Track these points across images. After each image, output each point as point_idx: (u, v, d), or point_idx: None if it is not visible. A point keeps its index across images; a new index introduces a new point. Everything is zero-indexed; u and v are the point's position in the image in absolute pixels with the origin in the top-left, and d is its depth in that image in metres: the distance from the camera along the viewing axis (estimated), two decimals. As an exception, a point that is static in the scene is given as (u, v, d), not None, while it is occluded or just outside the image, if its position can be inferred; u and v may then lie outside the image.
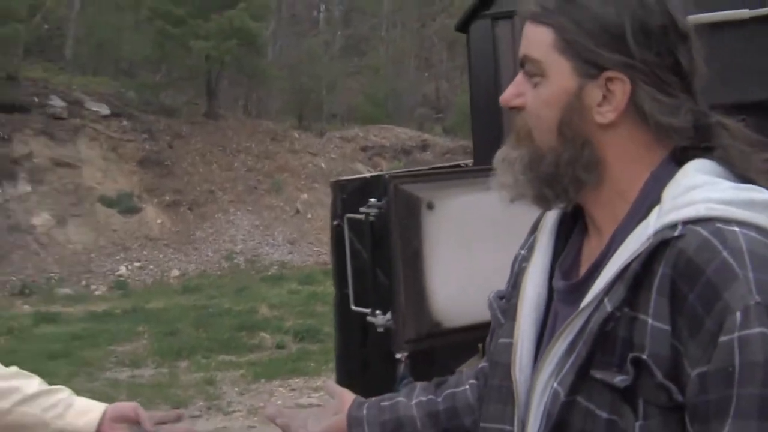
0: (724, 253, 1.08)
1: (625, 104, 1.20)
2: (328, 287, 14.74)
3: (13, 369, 2.07)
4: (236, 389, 8.71)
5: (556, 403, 1.20)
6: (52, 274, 15.75)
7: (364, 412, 1.68)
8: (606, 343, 1.16)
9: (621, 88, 1.20)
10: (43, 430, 1.99)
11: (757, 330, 1.04)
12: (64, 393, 2.05)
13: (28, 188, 17.07)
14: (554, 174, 1.24)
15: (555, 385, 1.21)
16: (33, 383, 2.04)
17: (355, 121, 27.08)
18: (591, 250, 1.30)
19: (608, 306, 1.15)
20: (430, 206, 2.85)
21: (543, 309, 1.34)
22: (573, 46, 1.22)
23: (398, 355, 3.85)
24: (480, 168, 3.34)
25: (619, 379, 1.12)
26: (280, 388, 8.71)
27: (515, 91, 1.29)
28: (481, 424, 1.44)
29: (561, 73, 1.23)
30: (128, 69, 25.03)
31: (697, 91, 1.24)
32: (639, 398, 1.12)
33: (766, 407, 1.03)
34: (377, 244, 3.10)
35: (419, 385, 1.75)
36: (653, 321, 1.11)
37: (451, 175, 3.20)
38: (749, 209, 1.12)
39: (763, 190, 1.15)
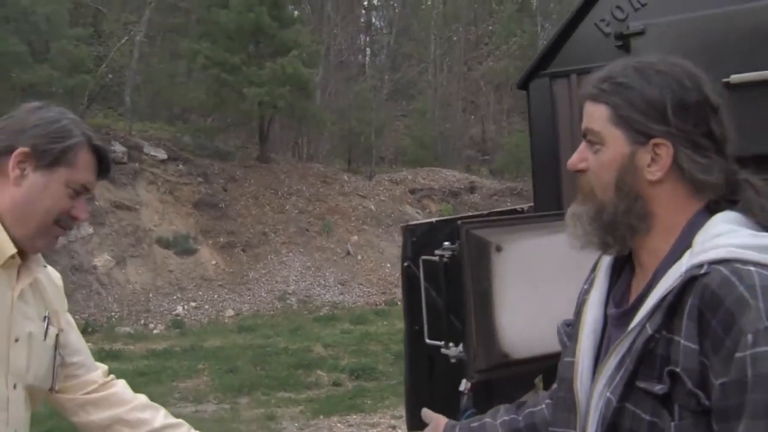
0: (740, 288, 1.35)
1: (669, 165, 1.51)
2: (380, 327, 15.03)
3: (143, 399, 2.39)
4: (296, 425, 9.00)
5: (609, 408, 1.50)
6: (112, 313, 16.27)
7: None
8: (648, 359, 1.44)
9: (666, 152, 1.51)
10: None
11: (765, 348, 1.30)
12: (183, 427, 2.35)
13: (90, 230, 17.67)
14: (613, 222, 1.56)
15: (608, 394, 1.51)
16: (160, 415, 2.34)
17: (404, 164, 27.47)
18: (638, 284, 1.60)
19: (649, 329, 1.45)
20: (499, 249, 3.16)
21: (600, 333, 1.65)
22: (626, 120, 1.54)
23: (461, 388, 4.14)
24: (543, 214, 3.66)
25: (658, 388, 1.41)
26: (339, 424, 8.97)
27: (579, 158, 1.62)
28: (550, 428, 1.75)
29: (617, 142, 1.55)
30: (181, 114, 25.81)
31: (728, 153, 1.55)
32: (675, 403, 1.41)
33: None
34: (450, 283, 3.43)
35: (503, 407, 2.06)
36: (685, 341, 1.39)
37: (517, 221, 3.52)
38: (763, 252, 1.40)
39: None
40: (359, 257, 20.43)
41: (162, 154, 20.35)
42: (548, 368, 4.22)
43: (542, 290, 3.19)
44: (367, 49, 38.75)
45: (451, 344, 3.44)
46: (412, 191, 24.03)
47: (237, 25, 20.77)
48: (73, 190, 1.97)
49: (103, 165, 2.05)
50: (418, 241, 4.15)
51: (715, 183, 1.52)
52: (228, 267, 18.96)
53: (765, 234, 1.46)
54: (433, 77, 31.38)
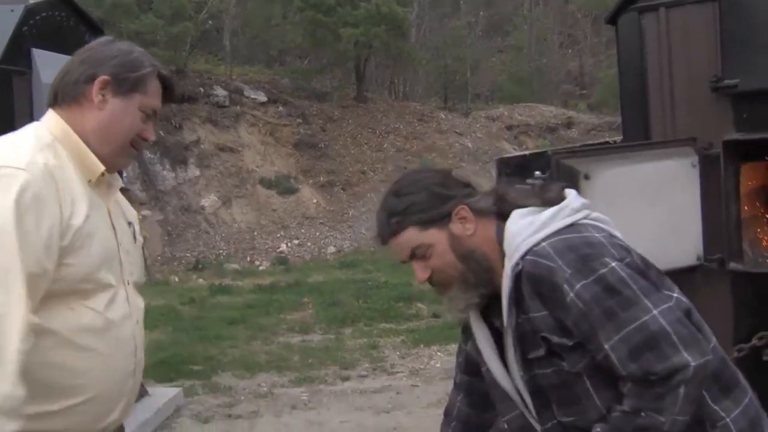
0: (544, 261, 1.95)
1: (472, 216, 2.10)
2: (478, 262, 15.24)
3: None
4: (398, 353, 9.38)
5: (526, 382, 2.08)
6: (220, 251, 17.00)
7: None
8: (525, 338, 2.03)
9: (464, 210, 2.09)
10: None
11: (579, 285, 1.91)
12: None
13: (197, 172, 18.39)
14: (477, 279, 2.12)
15: (521, 374, 2.08)
16: None
17: (500, 100, 27.31)
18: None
19: (514, 320, 2.03)
20: (587, 177, 3.38)
21: (492, 340, 2.21)
22: (428, 221, 2.09)
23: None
24: (627, 144, 3.84)
25: (542, 351, 2.00)
26: (438, 353, 9.30)
27: (421, 275, 2.13)
28: (503, 419, 2.28)
29: (435, 236, 2.10)
30: (278, 57, 26.23)
31: (475, 189, 2.16)
32: (558, 352, 1.98)
33: (609, 313, 1.89)
34: (541, 209, 3.65)
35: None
36: (534, 314, 1.98)
37: (603, 151, 3.71)
38: (539, 230, 2.00)
39: (536, 214, 2.04)
40: (456, 194, 20.56)
41: (262, 97, 20.83)
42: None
43: (627, 214, 3.40)
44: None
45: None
46: (509, 127, 23.95)
47: (331, -34, 20.93)
48: (145, 114, 2.26)
49: (168, 91, 2.35)
50: (512, 172, 4.38)
51: (492, 205, 2.13)
52: (329, 205, 19.46)
53: (532, 219, 2.02)
54: (529, 11, 30.87)
